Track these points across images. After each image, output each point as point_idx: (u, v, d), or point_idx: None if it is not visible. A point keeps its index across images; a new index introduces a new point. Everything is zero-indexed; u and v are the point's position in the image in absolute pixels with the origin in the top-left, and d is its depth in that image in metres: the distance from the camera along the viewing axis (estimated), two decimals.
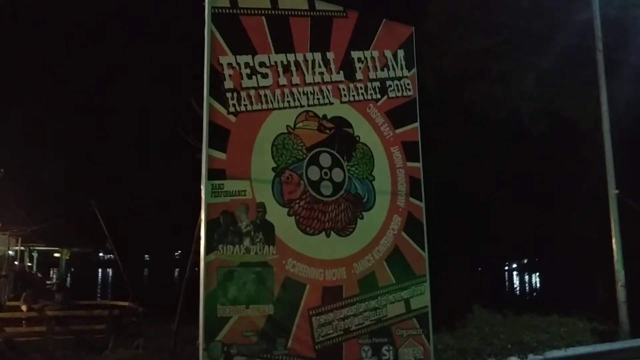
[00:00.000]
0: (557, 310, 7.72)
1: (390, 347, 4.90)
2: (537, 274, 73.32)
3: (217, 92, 4.52)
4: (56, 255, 24.55)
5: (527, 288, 57.74)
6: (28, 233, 15.98)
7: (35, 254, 21.67)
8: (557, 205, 19.87)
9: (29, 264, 20.13)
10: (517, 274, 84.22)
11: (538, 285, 62.30)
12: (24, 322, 12.92)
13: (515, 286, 61.17)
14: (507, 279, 76.58)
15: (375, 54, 5.36)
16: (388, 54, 5.43)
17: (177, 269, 48.12)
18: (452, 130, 16.77)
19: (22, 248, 18.18)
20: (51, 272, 26.75)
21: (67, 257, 21.68)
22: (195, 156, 4.84)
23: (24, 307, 13.80)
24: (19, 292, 15.26)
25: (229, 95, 4.55)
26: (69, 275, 21.51)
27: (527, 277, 75.27)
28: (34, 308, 13.58)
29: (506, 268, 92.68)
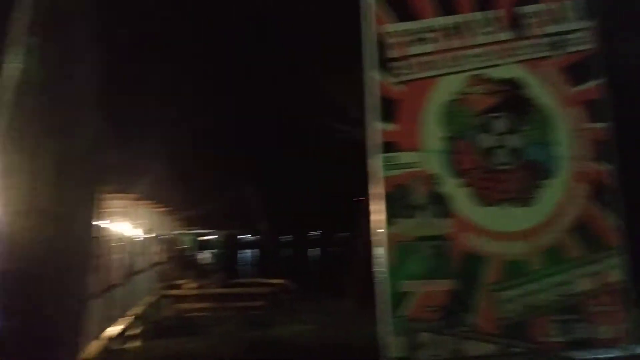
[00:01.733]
0: None
1: (583, 324, 4.50)
2: None
3: (383, 62, 4.43)
4: (205, 237, 26.61)
5: None
6: (188, 216, 17.44)
7: (190, 237, 23.71)
8: None
9: (187, 246, 22.10)
10: None
11: None
12: (189, 299, 14.16)
13: None
14: None
15: (547, 6, 4.89)
16: (561, 4, 4.93)
17: (312, 249, 50.01)
18: None
19: (183, 231, 19.94)
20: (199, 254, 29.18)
21: (220, 240, 23.40)
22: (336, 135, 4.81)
23: (188, 286, 15.13)
24: (182, 272, 16.77)
25: (395, 64, 4.44)
26: (221, 256, 23.14)
27: None
28: (197, 287, 14.84)
29: None
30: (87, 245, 3.78)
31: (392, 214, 4.27)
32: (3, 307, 3.15)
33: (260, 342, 9.09)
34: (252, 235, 47.22)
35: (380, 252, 4.25)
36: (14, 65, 3.92)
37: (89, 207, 3.86)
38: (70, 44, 4.07)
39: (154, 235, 15.07)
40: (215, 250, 25.88)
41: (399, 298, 4.19)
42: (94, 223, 3.89)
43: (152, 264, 14.75)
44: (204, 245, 27.96)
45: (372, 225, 4.33)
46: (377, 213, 4.29)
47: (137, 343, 9.71)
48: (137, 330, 10.21)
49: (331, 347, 7.81)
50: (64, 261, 3.56)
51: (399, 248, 4.24)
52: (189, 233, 22.06)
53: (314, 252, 49.68)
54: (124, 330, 9.53)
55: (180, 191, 14.58)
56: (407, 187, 4.34)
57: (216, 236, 24.34)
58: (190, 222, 19.84)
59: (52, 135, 3.75)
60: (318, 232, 53.39)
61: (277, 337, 9.39)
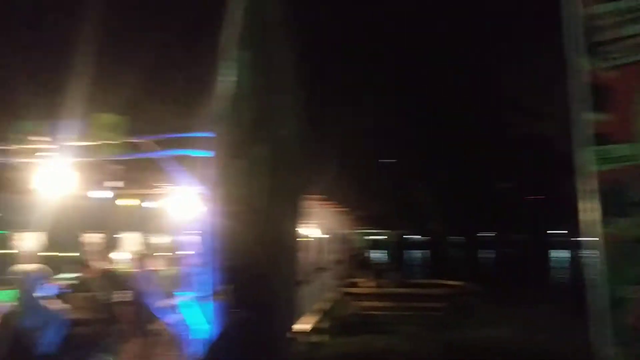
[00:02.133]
0: None
1: None
2: None
3: (591, 47, 4.06)
4: (375, 237, 26.96)
5: None
6: (361, 216, 17.89)
7: (363, 237, 24.26)
8: None
9: (361, 245, 22.69)
10: None
11: None
12: (370, 297, 14.49)
13: None
14: None
15: None
16: None
17: (484, 250, 47.88)
18: None
19: (357, 231, 20.51)
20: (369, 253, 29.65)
21: (390, 240, 23.66)
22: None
23: (367, 285, 15.51)
24: (358, 271, 17.25)
25: (605, 48, 4.05)
26: (393, 256, 23.32)
27: None
28: (375, 285, 15.13)
29: None
30: (293, 242, 4.05)
31: (607, 213, 3.87)
32: (237, 300, 3.52)
33: (455, 344, 8.92)
34: (422, 236, 46.80)
35: (593, 254, 3.89)
36: (227, 78, 4.36)
37: (295, 208, 4.14)
38: (276, 55, 4.41)
39: (331, 234, 15.72)
40: (386, 251, 26.13)
41: (616, 305, 3.78)
42: (298, 222, 4.15)
43: (332, 261, 15.37)
44: (374, 245, 28.46)
45: (582, 225, 3.98)
46: (589, 212, 3.93)
47: (326, 337, 10.20)
48: (325, 325, 10.72)
49: (538, 353, 7.35)
50: (277, 256, 3.86)
51: (615, 250, 3.84)
52: (362, 233, 22.63)
53: (484, 254, 47.57)
54: (314, 324, 10.07)
55: (355, 191, 15.00)
56: (623, 183, 3.90)
57: (385, 236, 24.60)
58: (363, 222, 20.32)
59: (265, 144, 4.10)
60: (490, 234, 51.04)
61: (472, 339, 9.12)
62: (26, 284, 4.25)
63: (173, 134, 4.69)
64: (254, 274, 3.67)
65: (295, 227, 4.23)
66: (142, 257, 6.70)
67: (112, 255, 10.33)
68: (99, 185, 5.67)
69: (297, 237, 4.17)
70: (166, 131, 4.71)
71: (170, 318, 4.68)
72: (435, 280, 16.38)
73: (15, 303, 4.29)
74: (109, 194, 6.14)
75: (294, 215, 4.18)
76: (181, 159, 4.63)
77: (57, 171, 4.76)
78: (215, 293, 3.86)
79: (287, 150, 4.17)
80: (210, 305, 3.92)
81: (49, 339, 4.21)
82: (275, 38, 4.48)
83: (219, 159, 4.17)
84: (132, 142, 4.61)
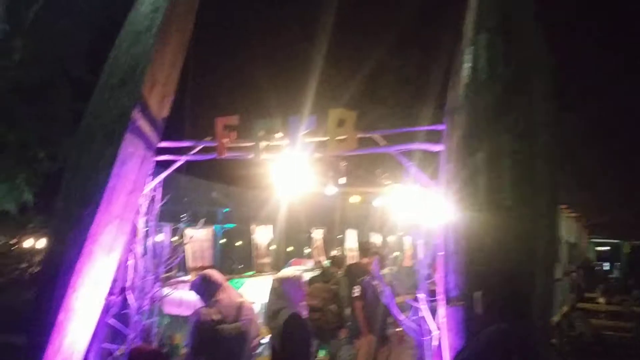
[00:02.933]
0: None
1: None
2: None
3: None
4: (606, 247, 23.70)
5: None
6: (594, 224, 15.86)
7: (592, 246, 21.55)
8: None
9: (590, 256, 20.16)
10: None
11: None
12: (602, 315, 12.69)
13: None
14: None
15: None
16: None
17: None
18: None
19: (587, 239, 18.26)
20: (601, 265, 26.14)
21: (628, 251, 20.59)
22: None
23: (601, 300, 13.61)
24: (588, 284, 15.26)
25: None
26: (630, 269, 20.22)
27: None
28: (612, 302, 13.19)
29: None
30: (549, 244, 3.49)
31: None
32: (487, 307, 3.14)
33: None
34: None
35: None
36: (464, 64, 4.00)
37: (549, 205, 3.58)
38: (520, 37, 3.91)
39: (566, 240, 14.14)
40: (619, 263, 22.89)
41: None
42: (553, 222, 3.58)
43: (565, 272, 13.84)
44: (607, 256, 25.06)
45: None
46: None
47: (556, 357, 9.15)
48: (554, 342, 9.62)
49: None
50: (530, 260, 3.37)
51: None
52: (592, 241, 20.11)
53: None
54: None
55: (588, 195, 13.26)
56: None
57: (619, 246, 21.48)
58: (594, 230, 18.00)
59: (509, 134, 3.63)
60: None
61: None
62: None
63: (402, 128, 4.47)
64: (505, 280, 3.23)
65: (551, 227, 3.66)
66: (377, 256, 6.69)
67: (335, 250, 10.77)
68: (327, 182, 5.78)
69: (554, 239, 3.59)
70: (395, 125, 4.51)
71: (405, 320, 4.47)
72: None
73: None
74: (334, 191, 6.22)
75: (549, 213, 3.61)
76: (411, 154, 4.39)
77: (292, 167, 4.91)
78: (453, 298, 3.51)
79: (536, 140, 3.63)
80: (446, 310, 3.59)
81: None
82: (520, 17, 3.98)
83: (456, 152, 3.82)
84: (361, 138, 4.51)
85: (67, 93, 11.10)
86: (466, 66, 3.95)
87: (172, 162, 5.54)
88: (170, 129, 5.54)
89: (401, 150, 4.48)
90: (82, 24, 10.49)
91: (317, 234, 10.19)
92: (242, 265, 10.51)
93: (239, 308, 4.40)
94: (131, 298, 5.11)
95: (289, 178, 5.05)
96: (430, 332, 4.07)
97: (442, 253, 3.75)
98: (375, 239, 12.77)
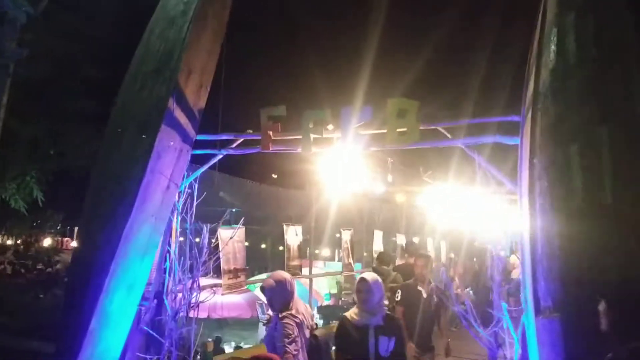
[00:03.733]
0: None
1: None
2: None
3: None
4: None
5: None
6: None
7: None
8: None
9: None
10: None
11: None
12: None
13: None
14: None
15: None
16: None
17: None
18: None
19: None
20: None
21: None
22: None
23: None
24: None
25: None
26: None
27: None
28: None
29: None
30: None
31: None
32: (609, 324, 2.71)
33: None
34: None
35: None
36: (546, 47, 3.58)
37: None
38: (609, 17, 3.49)
39: None
40: None
41: None
42: None
43: None
44: None
45: None
46: None
47: None
48: None
49: None
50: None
51: None
52: None
53: None
54: None
55: None
56: None
57: None
58: None
59: (607, 124, 3.20)
60: None
61: None
62: None
63: (471, 119, 4.04)
64: (629, 289, 2.80)
65: None
66: (425, 258, 6.22)
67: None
68: (374, 179, 5.34)
69: None
70: (463, 116, 4.08)
71: (480, 331, 4.05)
72: None
73: None
74: (382, 189, 5.80)
75: None
76: (481, 148, 3.96)
77: (343, 162, 4.51)
78: (545, 309, 3.09)
79: (636, 128, 3.20)
80: (536, 322, 3.16)
81: None
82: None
83: (541, 145, 3.39)
84: (424, 130, 4.09)
85: (76, 90, 10.85)
86: (551, 50, 3.52)
87: (208, 157, 5.16)
88: (208, 122, 5.16)
89: (470, 144, 4.06)
90: (92, 21, 10.20)
91: (346, 235, 9.77)
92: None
93: (310, 314, 4.15)
94: (166, 303, 4.72)
95: (339, 174, 4.63)
96: (511, 344, 3.65)
97: (528, 258, 3.32)
98: (408, 240, 12.33)
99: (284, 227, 7.77)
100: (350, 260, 9.87)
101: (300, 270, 8.17)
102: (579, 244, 3.06)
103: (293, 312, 3.96)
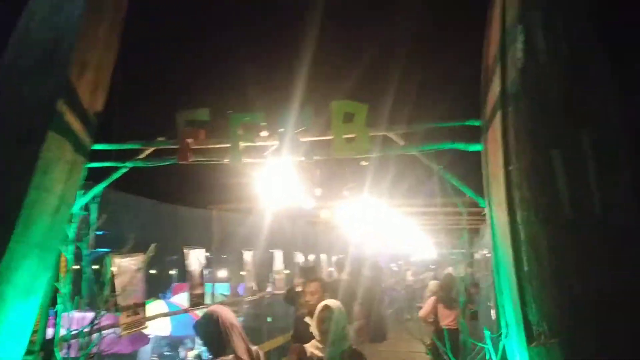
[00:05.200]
0: None
1: None
2: None
3: None
4: None
5: None
6: None
7: None
8: None
9: None
10: None
11: None
12: None
13: None
14: None
15: None
16: None
17: None
18: None
19: None
20: None
21: None
22: None
23: None
24: None
25: None
26: None
27: None
28: None
29: None
30: None
31: None
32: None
33: None
34: None
35: None
36: (514, 45, 3.29)
37: None
38: (581, 11, 3.29)
39: None
40: None
41: None
42: None
43: None
44: None
45: None
46: None
47: None
48: None
49: None
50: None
51: None
52: None
53: None
54: None
55: None
56: None
57: None
58: None
59: (587, 128, 2.95)
60: None
61: None
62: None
63: (427, 124, 3.66)
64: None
65: None
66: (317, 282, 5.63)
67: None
68: (302, 193, 4.76)
69: None
70: (418, 121, 3.68)
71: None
72: None
73: None
74: (312, 204, 5.24)
75: None
76: (439, 156, 3.59)
77: (277, 175, 3.90)
78: (539, 334, 2.73)
79: (619, 135, 2.99)
80: (527, 351, 2.79)
81: None
82: None
83: (517, 151, 3.07)
84: (372, 136, 3.63)
85: None
86: (518, 48, 3.24)
87: (109, 171, 4.26)
88: (108, 129, 4.26)
89: (424, 151, 3.66)
90: None
91: (247, 256, 9.04)
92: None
93: (257, 356, 3.41)
94: (57, 356, 3.73)
95: (272, 188, 4.01)
96: None
97: (513, 279, 2.95)
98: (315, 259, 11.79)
99: (186, 251, 6.91)
100: (252, 284, 9.14)
101: (203, 300, 7.33)
102: (572, 259, 2.75)
103: (229, 358, 3.24)
